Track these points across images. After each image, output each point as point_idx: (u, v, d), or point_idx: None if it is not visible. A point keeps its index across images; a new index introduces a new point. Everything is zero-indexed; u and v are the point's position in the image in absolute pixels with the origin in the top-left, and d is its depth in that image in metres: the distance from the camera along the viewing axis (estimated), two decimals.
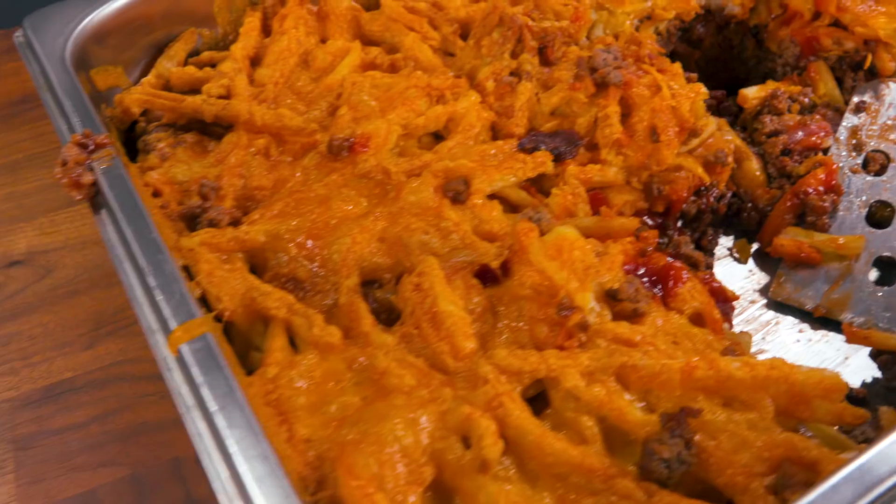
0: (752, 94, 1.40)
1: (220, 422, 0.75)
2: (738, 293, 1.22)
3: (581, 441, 0.79)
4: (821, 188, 1.23)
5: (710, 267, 1.15)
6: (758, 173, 1.31)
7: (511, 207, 1.11)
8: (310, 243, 1.00)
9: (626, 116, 1.19)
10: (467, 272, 0.94)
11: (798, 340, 1.16)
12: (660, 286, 0.98)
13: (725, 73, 1.57)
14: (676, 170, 1.20)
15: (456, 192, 1.05)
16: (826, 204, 1.22)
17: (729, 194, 1.29)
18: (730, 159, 1.23)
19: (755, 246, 1.29)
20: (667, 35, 1.47)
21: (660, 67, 1.23)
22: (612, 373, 0.82)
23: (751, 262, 1.27)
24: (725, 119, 1.37)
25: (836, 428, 0.85)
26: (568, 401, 0.81)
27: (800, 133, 1.33)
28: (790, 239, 1.20)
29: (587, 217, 1.08)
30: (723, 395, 0.82)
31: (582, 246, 0.91)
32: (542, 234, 0.93)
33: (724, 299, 1.13)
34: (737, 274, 1.26)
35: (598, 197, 1.12)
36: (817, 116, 1.36)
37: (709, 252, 1.28)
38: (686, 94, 1.21)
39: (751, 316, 1.19)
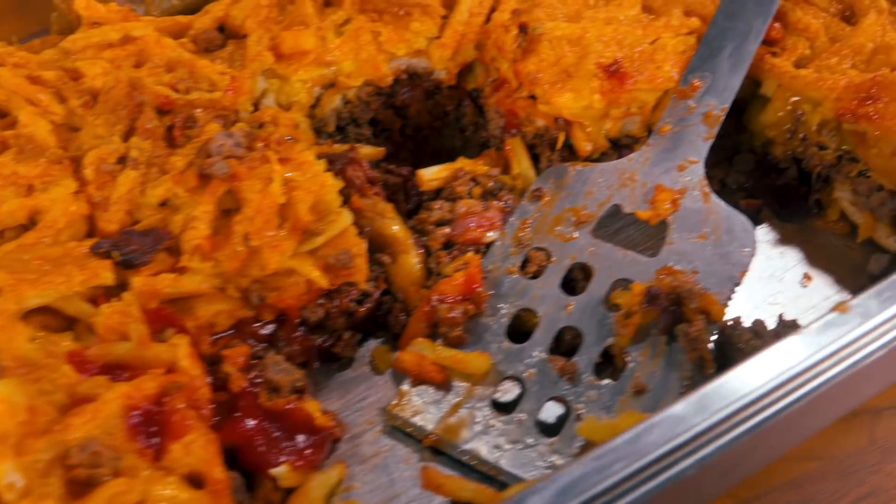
0: (429, 175, 1.27)
1: None
2: (359, 413, 1.09)
3: None
4: (456, 296, 1.10)
5: (300, 391, 1.02)
6: (416, 268, 1.19)
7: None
8: None
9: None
10: None
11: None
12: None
13: (439, 141, 1.44)
14: (288, 274, 1.07)
15: None
16: (455, 315, 1.09)
17: (377, 294, 1.16)
18: (357, 262, 1.10)
19: None
20: (359, 103, 1.33)
21: (283, 156, 1.09)
22: None
23: (390, 373, 1.14)
24: (393, 204, 1.23)
25: None
26: None
27: (470, 222, 1.20)
28: (413, 353, 1.08)
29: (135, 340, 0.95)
30: None
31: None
32: None
33: (312, 430, 1.01)
34: (374, 386, 1.13)
35: (162, 314, 0.99)
36: (496, 203, 1.23)
37: (345, 360, 1.15)
38: (308, 187, 1.08)
39: (363, 441, 1.06)
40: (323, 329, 1.12)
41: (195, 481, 0.84)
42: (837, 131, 1.24)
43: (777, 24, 1.33)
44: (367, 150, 1.32)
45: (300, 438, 1.00)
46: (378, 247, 1.20)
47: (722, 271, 1.09)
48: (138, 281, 0.99)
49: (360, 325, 1.16)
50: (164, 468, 0.83)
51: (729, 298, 1.07)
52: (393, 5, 1.34)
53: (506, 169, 1.29)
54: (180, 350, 0.94)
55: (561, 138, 1.26)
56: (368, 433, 1.07)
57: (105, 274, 0.98)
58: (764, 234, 1.29)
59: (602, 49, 1.24)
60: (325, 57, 1.28)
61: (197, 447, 0.84)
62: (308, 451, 0.99)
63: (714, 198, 1.15)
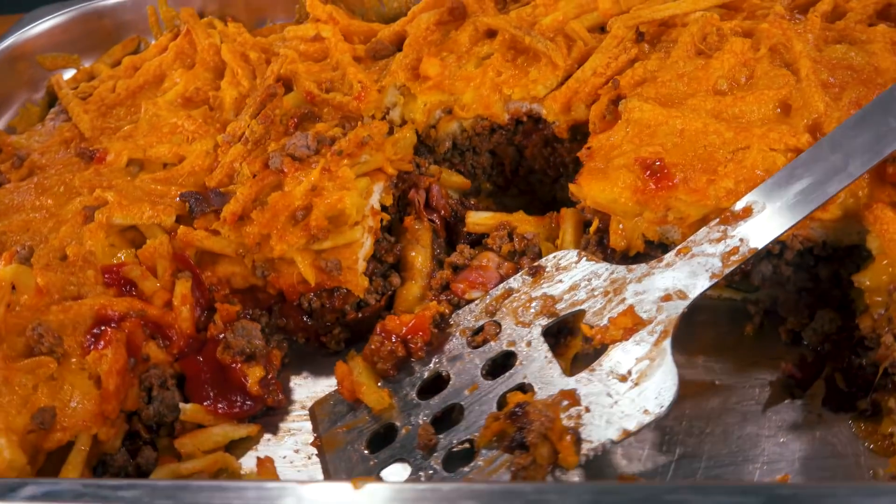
0: (476, 219, 1.33)
1: None
2: (315, 396, 1.25)
3: None
4: (398, 335, 1.18)
5: (249, 357, 1.20)
6: (414, 298, 1.28)
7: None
8: None
9: None
10: None
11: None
12: None
13: (555, 191, 1.43)
14: (289, 263, 1.27)
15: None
16: (387, 351, 1.17)
17: (378, 306, 1.29)
18: (347, 273, 1.24)
19: None
20: (475, 134, 1.42)
21: (327, 167, 1.27)
22: None
23: None
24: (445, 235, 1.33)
25: None
26: None
27: (469, 275, 1.25)
28: (346, 367, 1.19)
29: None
30: None
31: None
32: None
33: (243, 391, 1.22)
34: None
35: (185, 259, 1.27)
36: (511, 264, 1.25)
37: (333, 350, 1.31)
38: (328, 199, 1.24)
39: (291, 418, 1.24)
40: (313, 317, 1.30)
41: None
42: None
43: None
44: (455, 179, 1.41)
45: (239, 394, 1.23)
46: (401, 267, 1.32)
47: (614, 422, 0.98)
48: (182, 230, 1.29)
49: (354, 326, 1.30)
50: (83, 364, 1.14)
51: (597, 451, 0.97)
52: (529, 49, 1.37)
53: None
54: (179, 287, 1.23)
55: (594, 224, 1.19)
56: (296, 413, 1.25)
57: (165, 218, 1.30)
58: (788, 410, 1.07)
59: (666, 143, 1.13)
60: (447, 85, 1.39)
61: (105, 360, 1.13)
62: (224, 404, 1.21)
63: (667, 343, 1.01)
